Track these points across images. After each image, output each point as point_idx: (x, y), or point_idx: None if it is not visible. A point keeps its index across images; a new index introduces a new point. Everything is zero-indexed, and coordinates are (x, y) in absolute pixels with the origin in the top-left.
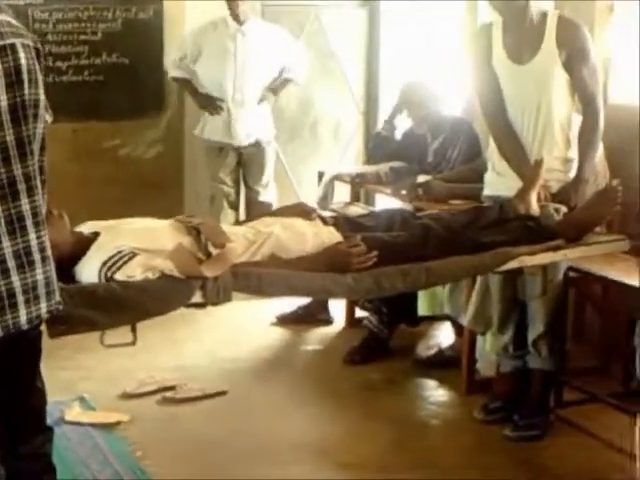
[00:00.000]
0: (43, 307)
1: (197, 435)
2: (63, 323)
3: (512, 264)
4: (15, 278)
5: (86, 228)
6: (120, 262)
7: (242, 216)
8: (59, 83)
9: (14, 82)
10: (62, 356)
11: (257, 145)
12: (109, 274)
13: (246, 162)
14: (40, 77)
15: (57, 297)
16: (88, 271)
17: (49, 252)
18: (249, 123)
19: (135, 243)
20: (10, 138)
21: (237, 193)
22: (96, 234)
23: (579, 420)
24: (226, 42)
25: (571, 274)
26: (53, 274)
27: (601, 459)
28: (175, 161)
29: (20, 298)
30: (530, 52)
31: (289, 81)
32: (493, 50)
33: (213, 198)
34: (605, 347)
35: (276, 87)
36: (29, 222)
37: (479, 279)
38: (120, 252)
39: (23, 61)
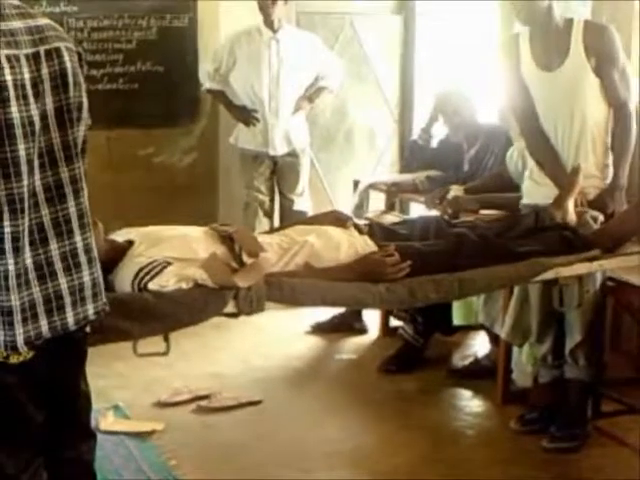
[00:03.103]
0: (90, 308)
1: (231, 444)
2: (96, 332)
3: (548, 274)
4: (62, 280)
5: (120, 235)
6: (153, 272)
7: (276, 224)
8: (94, 91)
9: (59, 85)
10: (97, 364)
11: (292, 153)
12: (142, 284)
13: (281, 170)
14: (82, 80)
15: (103, 298)
16: (121, 280)
17: (95, 253)
18: (284, 131)
19: (169, 252)
20: (57, 141)
21: (271, 201)
22: (130, 242)
23: (617, 431)
24: (260, 50)
25: (609, 284)
26: (99, 275)
27: (638, 470)
28: (209, 169)
29: (67, 300)
30: (558, 59)
31: (324, 89)
32: (521, 60)
33: (247, 206)
34: None
35: (311, 95)
36: (75, 225)
37: (516, 291)
38: (153, 261)
39: (68, 64)
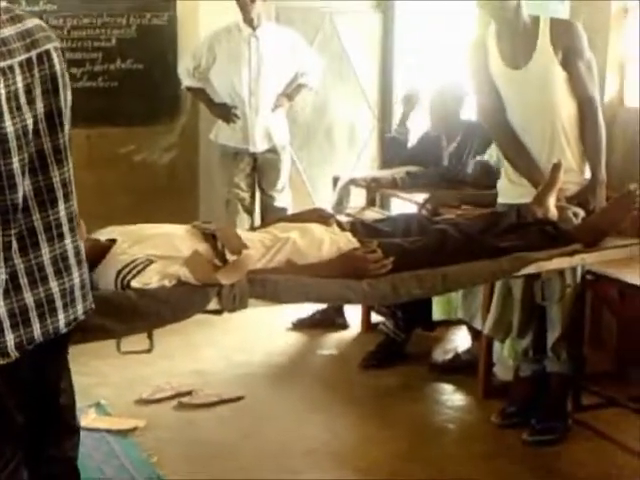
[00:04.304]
0: (79, 309)
1: (213, 441)
2: (79, 330)
3: (529, 269)
4: (54, 284)
5: (104, 234)
6: (136, 270)
7: (257, 221)
8: (73, 89)
9: (50, 90)
10: (79, 362)
11: (272, 150)
12: (125, 282)
13: (261, 167)
14: (67, 79)
15: (90, 297)
16: (104, 279)
17: (83, 255)
18: (264, 128)
19: (152, 250)
20: (47, 145)
21: (252, 198)
22: (113, 241)
23: (597, 424)
24: (240, 47)
25: (588, 277)
26: (87, 275)
27: (619, 463)
28: (190, 166)
29: (59, 303)
30: (526, 55)
31: (304, 86)
32: (489, 59)
33: (228, 203)
34: (622, 351)
35: (291, 93)
36: (65, 228)
37: (498, 286)
38: (136, 259)
39: (57, 67)
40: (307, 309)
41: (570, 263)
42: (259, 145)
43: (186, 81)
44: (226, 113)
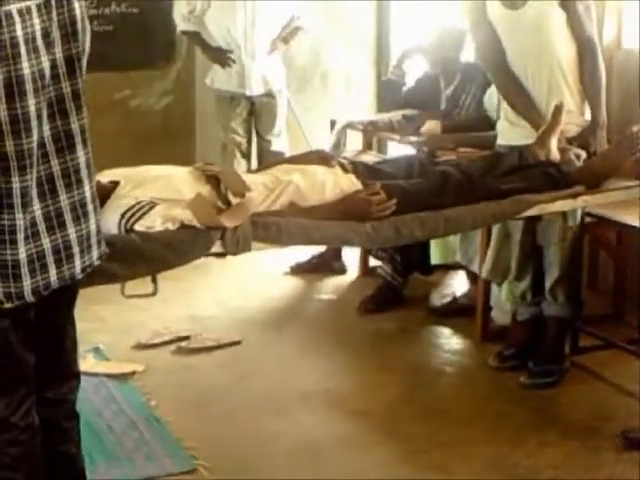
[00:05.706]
0: (95, 254)
1: (211, 384)
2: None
3: (532, 211)
4: (71, 230)
5: (105, 177)
6: (139, 213)
7: (254, 166)
8: None
9: (69, 34)
10: (77, 307)
11: (269, 94)
12: (129, 225)
13: (258, 112)
14: (87, 23)
15: (104, 242)
16: (107, 222)
17: (98, 201)
18: (260, 72)
19: (154, 193)
20: (67, 90)
21: (249, 142)
22: (115, 183)
23: (594, 366)
24: None
25: (587, 219)
26: (100, 220)
27: (615, 405)
28: (186, 111)
29: (76, 249)
30: None
31: (299, 29)
32: (487, 2)
33: (225, 148)
34: (620, 293)
35: (286, 36)
36: (84, 174)
37: (496, 229)
38: (139, 202)
39: (77, 11)
40: (305, 253)
41: (572, 205)
42: (255, 89)
43: (181, 25)
44: (222, 57)
